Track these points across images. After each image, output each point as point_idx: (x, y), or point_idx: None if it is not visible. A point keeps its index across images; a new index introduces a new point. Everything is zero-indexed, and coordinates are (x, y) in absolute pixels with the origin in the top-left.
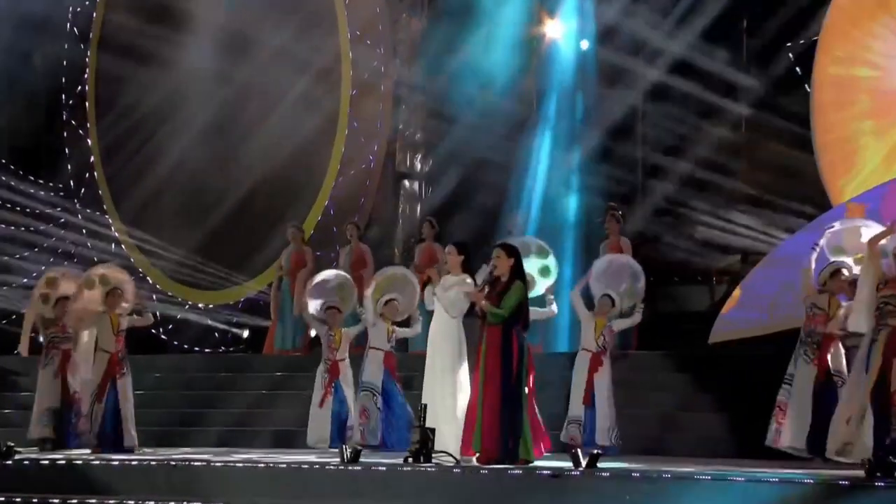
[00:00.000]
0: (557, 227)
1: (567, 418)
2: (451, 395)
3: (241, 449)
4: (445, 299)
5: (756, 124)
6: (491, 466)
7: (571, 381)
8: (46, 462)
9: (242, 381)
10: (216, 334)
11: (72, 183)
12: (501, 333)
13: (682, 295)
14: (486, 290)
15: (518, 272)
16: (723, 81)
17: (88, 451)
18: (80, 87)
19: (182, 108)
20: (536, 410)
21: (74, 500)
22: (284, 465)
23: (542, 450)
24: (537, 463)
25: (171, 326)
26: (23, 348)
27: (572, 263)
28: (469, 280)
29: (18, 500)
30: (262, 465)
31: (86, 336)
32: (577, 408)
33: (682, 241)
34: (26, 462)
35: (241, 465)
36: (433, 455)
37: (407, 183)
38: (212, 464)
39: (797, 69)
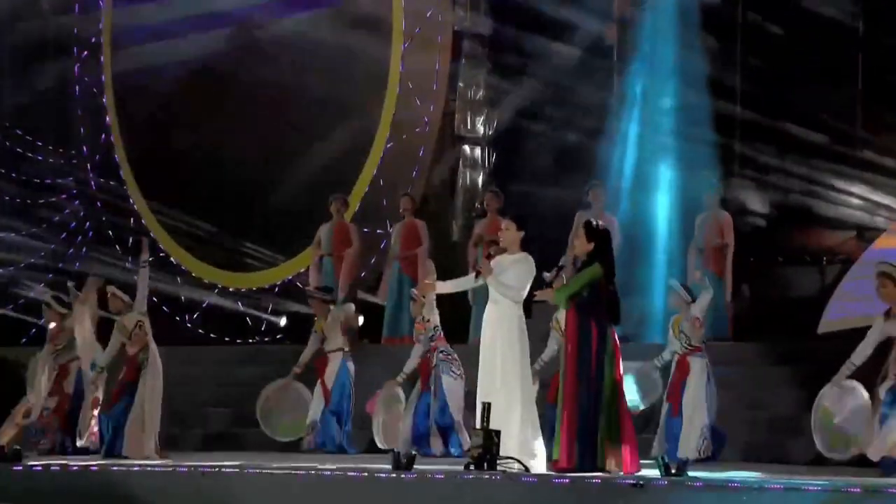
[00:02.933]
0: (648, 198)
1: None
2: (512, 393)
3: (280, 454)
4: (497, 282)
5: (874, 78)
6: (565, 475)
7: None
8: (58, 468)
9: (281, 375)
10: (249, 322)
11: (85, 149)
12: (577, 319)
13: (786, 277)
14: (556, 276)
15: (599, 255)
16: (835, 28)
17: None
18: (93, 38)
19: (212, 63)
20: (629, 415)
21: None
22: (328, 473)
23: (630, 462)
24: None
25: (197, 314)
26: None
27: (666, 240)
28: (529, 259)
29: None
30: (303, 472)
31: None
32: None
33: (787, 214)
34: (36, 467)
35: (279, 472)
36: (498, 461)
37: (467, 148)
38: (246, 471)
39: None
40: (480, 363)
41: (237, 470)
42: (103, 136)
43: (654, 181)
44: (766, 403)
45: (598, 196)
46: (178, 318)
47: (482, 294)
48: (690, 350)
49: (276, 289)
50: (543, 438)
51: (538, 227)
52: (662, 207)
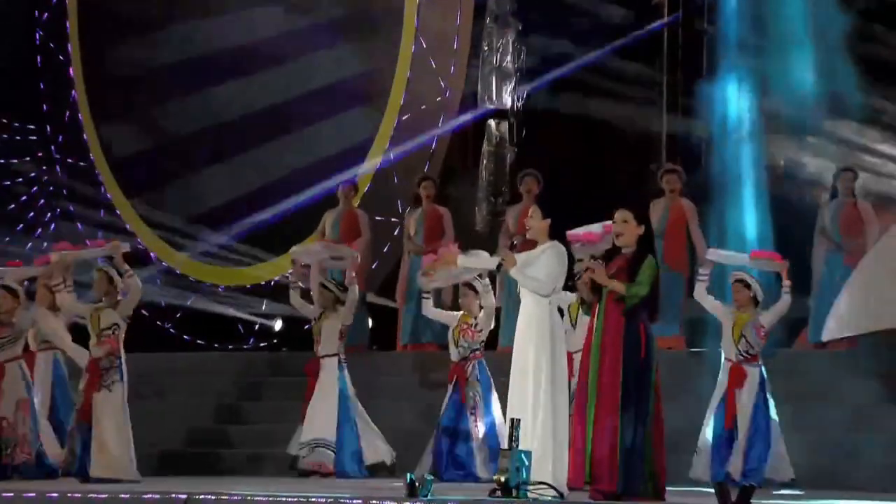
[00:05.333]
0: (735, 186)
1: (696, 448)
2: (542, 406)
3: (273, 478)
4: (522, 275)
5: None
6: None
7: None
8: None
9: (275, 386)
10: (240, 326)
11: (48, 126)
12: (626, 323)
13: None
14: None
15: (649, 244)
16: None
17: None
18: None
19: (198, 21)
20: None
21: None
22: (326, 499)
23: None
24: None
25: (179, 315)
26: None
27: (756, 237)
28: (559, 247)
29: None
30: (296, 498)
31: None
32: (706, 434)
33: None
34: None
35: (269, 498)
36: (530, 488)
37: (494, 122)
38: (231, 497)
39: None
40: (512, 373)
41: (224, 496)
42: (68, 113)
43: (738, 168)
44: (828, 418)
45: (672, 182)
46: (157, 322)
47: (512, 295)
48: (748, 358)
49: (273, 284)
50: None
51: (577, 218)
52: (748, 196)
